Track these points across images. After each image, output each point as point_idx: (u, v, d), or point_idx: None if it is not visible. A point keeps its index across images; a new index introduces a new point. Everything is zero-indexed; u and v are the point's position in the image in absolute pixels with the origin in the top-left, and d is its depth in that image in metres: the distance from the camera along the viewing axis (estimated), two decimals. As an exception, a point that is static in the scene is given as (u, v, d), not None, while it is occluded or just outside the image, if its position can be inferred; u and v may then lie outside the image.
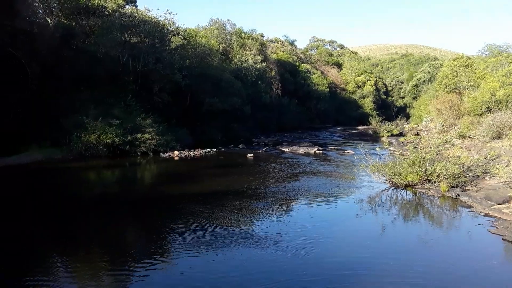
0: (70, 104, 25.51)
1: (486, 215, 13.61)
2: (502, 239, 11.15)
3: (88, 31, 30.47)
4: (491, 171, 18.79)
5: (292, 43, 74.46)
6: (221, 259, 9.46)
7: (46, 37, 24.71)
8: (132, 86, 31.04)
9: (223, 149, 31.04)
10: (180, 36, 39.64)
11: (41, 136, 23.86)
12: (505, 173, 17.70)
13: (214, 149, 29.60)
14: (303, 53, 76.87)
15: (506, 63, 36.74)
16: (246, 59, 46.62)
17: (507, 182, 16.38)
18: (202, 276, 8.59)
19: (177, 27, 39.01)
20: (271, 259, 9.52)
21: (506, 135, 24.92)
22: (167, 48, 34.51)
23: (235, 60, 45.98)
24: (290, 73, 60.56)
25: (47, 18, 26.20)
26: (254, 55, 47.95)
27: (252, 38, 52.82)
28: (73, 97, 26.08)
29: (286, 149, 32.22)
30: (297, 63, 66.67)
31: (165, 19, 36.44)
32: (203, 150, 28.62)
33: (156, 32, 32.00)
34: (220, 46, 45.80)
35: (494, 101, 29.87)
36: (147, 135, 26.66)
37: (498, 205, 14.33)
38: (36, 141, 23.43)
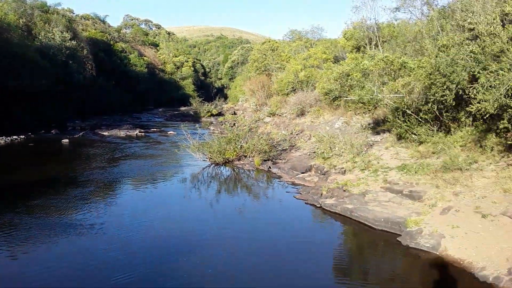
0: None
1: (293, 183, 15.51)
2: (305, 203, 12.92)
3: None
4: (296, 144, 21.31)
5: (104, 21, 70.54)
6: (44, 253, 8.92)
7: None
8: None
9: (32, 135, 28.18)
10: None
11: None
12: (307, 146, 20.32)
13: (22, 136, 26.63)
14: (117, 31, 73.30)
15: (306, 47, 41.46)
16: (53, 36, 42.60)
17: (308, 154, 18.82)
18: (25, 271, 7.98)
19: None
20: (96, 248, 9.32)
21: (308, 112, 28.41)
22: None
23: (40, 37, 41.61)
24: (105, 53, 57.46)
25: None
26: (62, 32, 44.10)
27: (58, 13, 48.39)
28: None
29: (105, 133, 30.96)
30: (111, 42, 63.62)
31: None
32: (9, 138, 25.48)
33: None
34: (20, 21, 40.82)
35: (297, 81, 33.55)
36: None
37: (302, 174, 16.41)
38: None
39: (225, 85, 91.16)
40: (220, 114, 47.26)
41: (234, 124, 26.89)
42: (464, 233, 8.82)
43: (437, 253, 8.58)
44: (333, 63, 30.88)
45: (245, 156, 19.30)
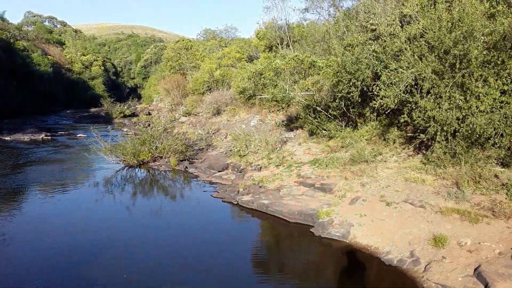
0: None
1: (210, 182, 15.47)
2: (222, 201, 12.95)
3: None
4: (212, 143, 21.29)
5: (2, 18, 65.17)
6: None
7: None
8: None
9: None
10: None
11: None
12: (223, 144, 20.38)
13: None
14: (17, 29, 67.99)
15: (220, 46, 41.59)
16: None
17: (225, 152, 18.89)
18: None
19: None
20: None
21: (224, 111, 28.52)
22: None
23: None
24: (4, 52, 53.10)
25: None
26: (-46, 29, 40.17)
27: (-52, 9, 44.00)
28: None
29: (7, 138, 28.62)
30: (11, 40, 58.93)
31: None
32: None
33: None
34: None
35: (213, 81, 33.53)
36: None
37: (219, 173, 16.44)
38: None
39: (138, 85, 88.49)
40: (134, 114, 45.80)
41: (149, 125, 26.18)
42: (371, 220, 9.39)
43: (347, 241, 9.05)
44: (247, 62, 31.28)
45: (161, 157, 18.90)
